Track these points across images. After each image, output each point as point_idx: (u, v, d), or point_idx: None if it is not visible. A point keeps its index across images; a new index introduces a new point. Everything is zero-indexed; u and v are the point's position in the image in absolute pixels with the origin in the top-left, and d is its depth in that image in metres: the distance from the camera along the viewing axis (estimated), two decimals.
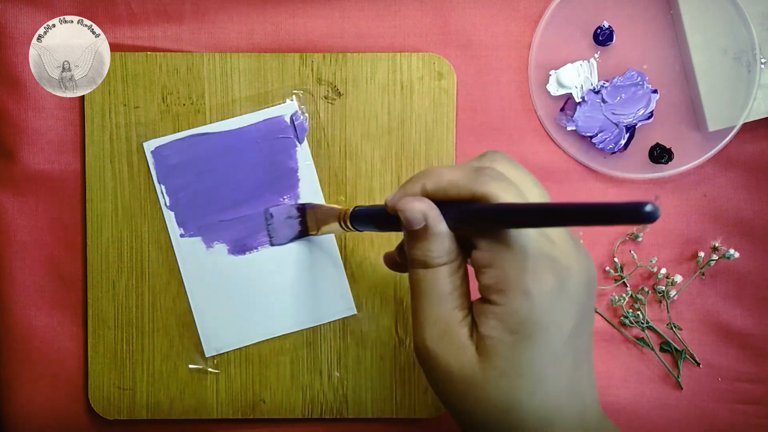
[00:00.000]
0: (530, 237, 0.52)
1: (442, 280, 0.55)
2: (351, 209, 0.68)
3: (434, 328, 0.55)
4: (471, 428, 0.55)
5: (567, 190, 0.76)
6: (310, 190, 0.75)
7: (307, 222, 0.74)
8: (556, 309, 0.52)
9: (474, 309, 0.55)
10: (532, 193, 0.55)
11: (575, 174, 0.76)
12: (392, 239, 0.76)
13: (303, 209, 0.74)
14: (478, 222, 0.54)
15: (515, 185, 0.54)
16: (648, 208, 0.43)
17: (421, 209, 0.55)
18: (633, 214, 0.44)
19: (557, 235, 0.53)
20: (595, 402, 0.56)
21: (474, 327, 0.54)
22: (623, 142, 0.75)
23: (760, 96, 0.74)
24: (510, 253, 0.52)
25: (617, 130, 0.75)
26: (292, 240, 0.75)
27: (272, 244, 0.75)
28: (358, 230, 0.68)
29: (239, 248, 0.75)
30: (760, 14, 0.74)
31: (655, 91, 0.75)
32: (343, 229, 0.69)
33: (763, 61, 0.74)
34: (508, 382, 0.53)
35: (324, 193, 0.75)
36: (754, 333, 0.77)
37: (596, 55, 0.76)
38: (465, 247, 0.56)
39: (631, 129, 0.75)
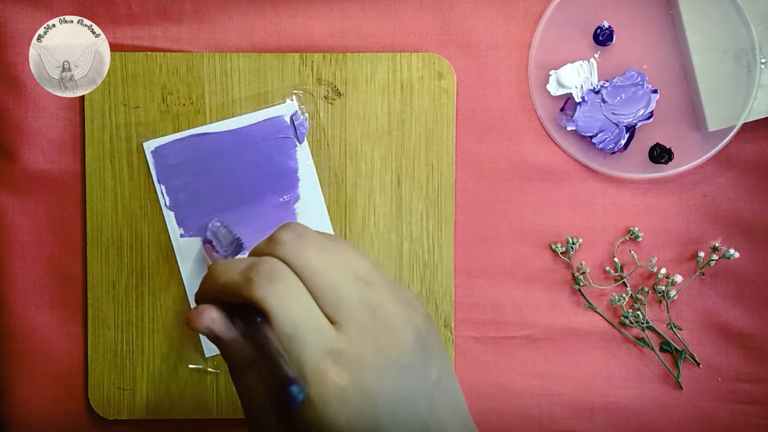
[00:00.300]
0: (308, 344, 0.50)
1: (252, 382, 0.53)
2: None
3: (258, 426, 0.53)
4: None
5: (567, 190, 0.76)
6: (310, 190, 0.75)
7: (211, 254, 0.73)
8: (349, 408, 0.50)
9: None
10: (317, 275, 0.52)
11: (575, 174, 0.76)
12: (391, 236, 0.76)
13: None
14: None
15: (289, 280, 0.51)
16: (292, 390, 0.44)
17: (204, 324, 0.53)
18: (282, 390, 0.44)
19: (349, 315, 0.51)
20: None
21: None
22: (623, 142, 0.75)
23: (760, 96, 0.74)
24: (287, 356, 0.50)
25: (617, 130, 0.75)
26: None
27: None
28: None
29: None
30: (760, 14, 0.74)
31: (655, 91, 0.75)
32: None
33: (763, 61, 0.74)
34: None
35: (324, 193, 0.75)
36: (755, 333, 0.77)
37: (596, 55, 0.76)
38: None
39: (631, 129, 0.75)
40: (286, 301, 0.51)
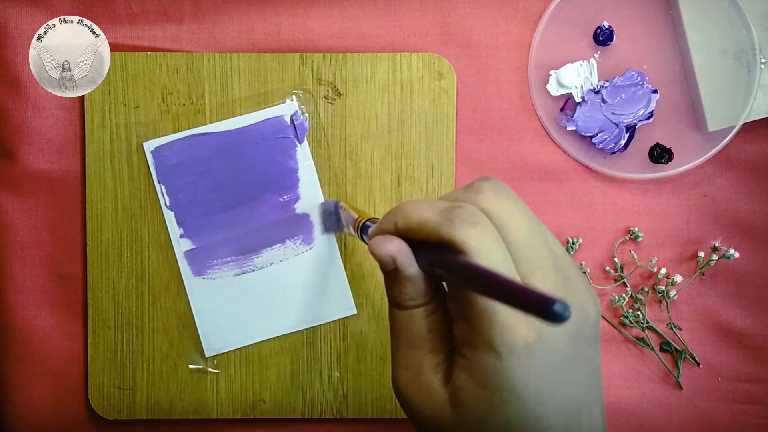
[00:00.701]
0: None
1: (415, 323, 0.53)
2: (363, 221, 0.66)
3: (407, 371, 0.53)
4: None
5: (567, 190, 0.76)
6: (310, 190, 0.75)
7: (341, 219, 0.73)
8: (529, 365, 0.49)
9: (454, 356, 0.52)
10: (516, 231, 0.51)
11: (575, 174, 0.76)
12: None
13: (336, 206, 0.73)
14: (438, 271, 0.51)
15: (491, 226, 0.50)
16: (557, 308, 0.41)
17: (389, 252, 0.52)
18: (542, 309, 0.41)
19: (544, 277, 0.50)
20: (594, 429, 0.53)
21: (451, 374, 0.52)
22: (623, 142, 0.75)
23: (760, 96, 0.74)
24: (477, 305, 0.49)
25: (617, 130, 0.75)
26: (329, 232, 0.75)
27: (322, 233, 0.75)
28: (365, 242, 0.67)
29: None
30: (760, 14, 0.74)
31: (655, 91, 0.75)
32: (356, 235, 0.68)
33: (763, 61, 0.74)
34: None
35: (324, 193, 0.75)
36: (754, 333, 0.77)
37: (596, 55, 0.76)
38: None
39: (631, 129, 0.75)
40: (486, 247, 0.49)
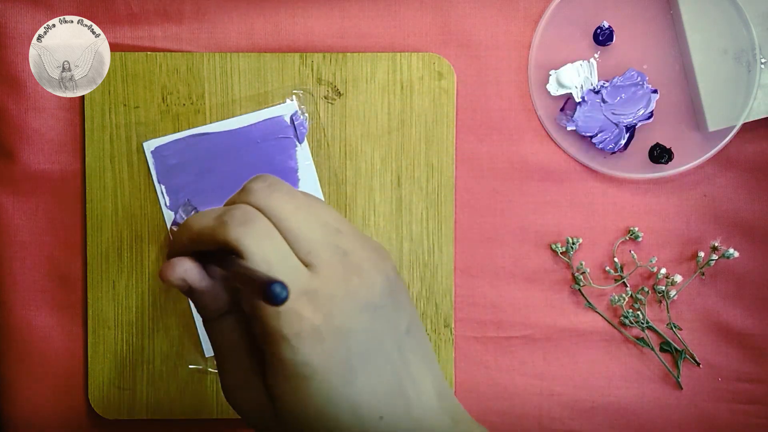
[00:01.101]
0: (281, 277, 0.51)
1: (227, 331, 0.55)
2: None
3: (230, 378, 0.55)
4: None
5: (567, 190, 0.76)
6: (310, 190, 0.75)
7: None
8: (323, 346, 0.51)
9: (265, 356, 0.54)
10: (290, 220, 0.53)
11: (575, 174, 0.76)
12: (391, 236, 0.76)
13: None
14: (221, 272, 0.53)
15: (263, 223, 0.52)
16: (273, 288, 0.43)
17: (177, 275, 0.54)
18: (263, 291, 0.44)
19: (320, 257, 0.52)
20: (438, 401, 0.54)
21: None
22: (623, 142, 0.75)
23: (760, 96, 0.74)
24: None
25: (617, 130, 0.75)
26: None
27: None
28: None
29: None
30: (760, 14, 0.74)
31: (655, 91, 0.75)
32: None
33: (763, 61, 0.74)
34: (301, 429, 0.52)
35: (324, 193, 0.75)
36: (754, 333, 0.77)
37: (596, 55, 0.76)
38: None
39: (631, 129, 0.75)
40: (260, 241, 0.51)
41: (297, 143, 0.75)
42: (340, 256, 0.53)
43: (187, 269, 0.54)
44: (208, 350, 0.76)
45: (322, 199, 0.75)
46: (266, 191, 0.54)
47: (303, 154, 0.75)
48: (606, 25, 0.75)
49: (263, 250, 0.51)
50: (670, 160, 0.75)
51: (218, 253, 0.53)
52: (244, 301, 0.54)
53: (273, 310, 0.50)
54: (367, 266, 0.53)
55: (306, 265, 0.52)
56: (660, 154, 0.75)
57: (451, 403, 0.55)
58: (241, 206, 0.53)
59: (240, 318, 0.55)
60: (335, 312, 0.51)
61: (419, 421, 0.53)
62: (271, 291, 0.44)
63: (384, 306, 0.53)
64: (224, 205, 0.55)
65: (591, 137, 0.75)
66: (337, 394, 0.51)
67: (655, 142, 0.75)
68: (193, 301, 0.55)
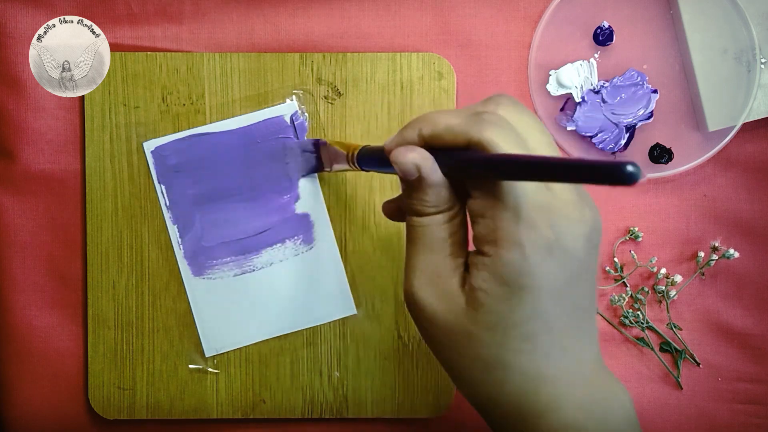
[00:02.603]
0: (526, 187, 0.50)
1: (435, 228, 0.54)
2: (359, 149, 0.66)
3: (423, 275, 0.54)
4: (458, 380, 0.55)
5: None
6: (310, 190, 0.75)
7: (322, 158, 0.73)
8: (549, 263, 0.51)
9: (469, 259, 0.53)
10: (534, 139, 0.53)
11: None
12: (391, 236, 0.76)
13: (317, 145, 0.73)
14: (471, 172, 0.52)
15: (515, 131, 0.52)
16: (629, 168, 0.42)
17: (414, 160, 0.53)
18: (614, 173, 0.43)
19: (558, 184, 0.52)
20: (596, 361, 0.55)
21: (467, 277, 0.53)
22: (623, 142, 0.75)
23: (760, 96, 0.74)
24: (503, 203, 0.51)
25: (617, 130, 0.75)
26: (308, 174, 0.75)
27: (299, 177, 0.75)
28: (364, 170, 0.67)
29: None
30: (760, 14, 0.74)
31: (655, 91, 0.75)
32: (351, 167, 0.68)
33: (763, 60, 0.74)
34: (493, 337, 0.52)
35: (324, 193, 0.75)
36: (754, 333, 0.77)
37: (596, 55, 0.76)
38: (464, 194, 0.55)
39: (631, 129, 0.75)
40: (513, 147, 0.51)
41: (297, 143, 0.75)
42: (576, 187, 0.53)
43: (425, 157, 0.53)
44: (208, 350, 0.76)
45: (322, 199, 0.75)
46: (514, 107, 0.54)
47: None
48: (606, 25, 0.75)
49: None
50: (670, 160, 0.75)
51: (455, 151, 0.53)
52: (475, 201, 0.53)
53: (513, 214, 0.50)
54: (593, 205, 0.54)
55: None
56: (660, 154, 0.75)
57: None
58: (493, 112, 0.53)
59: (451, 218, 0.55)
60: (567, 234, 0.51)
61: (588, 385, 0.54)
62: (627, 171, 0.42)
63: (596, 246, 0.53)
64: (468, 107, 0.55)
65: (591, 137, 0.75)
66: (544, 310, 0.51)
67: (655, 142, 0.75)
68: (411, 194, 0.54)
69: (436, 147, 0.54)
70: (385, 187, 0.75)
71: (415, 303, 0.54)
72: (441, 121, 0.54)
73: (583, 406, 0.53)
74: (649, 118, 0.75)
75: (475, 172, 0.52)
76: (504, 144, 0.51)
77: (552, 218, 0.51)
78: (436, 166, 0.54)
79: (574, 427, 0.52)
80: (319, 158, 0.73)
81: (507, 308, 0.51)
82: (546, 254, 0.50)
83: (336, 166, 0.71)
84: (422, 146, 0.54)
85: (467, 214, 0.55)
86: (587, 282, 0.53)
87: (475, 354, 0.53)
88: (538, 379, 0.52)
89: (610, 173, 0.43)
